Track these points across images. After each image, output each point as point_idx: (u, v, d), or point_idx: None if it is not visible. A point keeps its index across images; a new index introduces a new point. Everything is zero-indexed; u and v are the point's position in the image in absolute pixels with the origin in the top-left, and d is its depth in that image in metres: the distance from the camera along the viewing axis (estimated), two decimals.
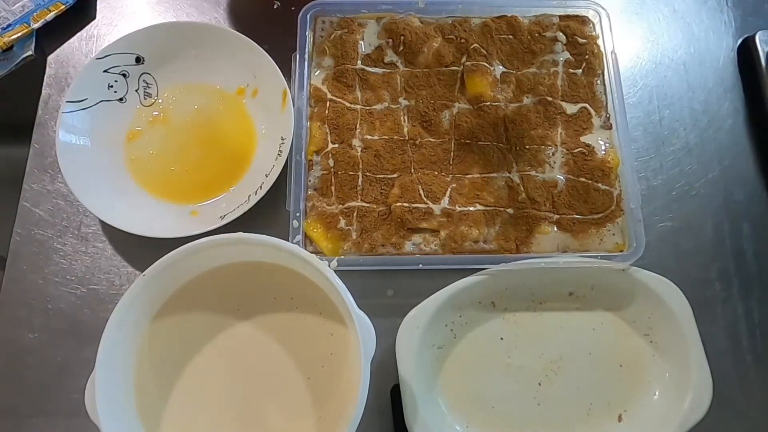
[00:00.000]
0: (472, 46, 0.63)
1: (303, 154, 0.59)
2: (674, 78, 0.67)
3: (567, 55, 0.64)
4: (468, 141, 0.61)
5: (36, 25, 0.65)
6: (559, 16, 0.65)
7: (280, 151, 0.58)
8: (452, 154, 0.61)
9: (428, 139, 0.61)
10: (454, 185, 0.59)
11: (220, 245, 0.48)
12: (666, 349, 0.55)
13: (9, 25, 0.64)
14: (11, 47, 0.64)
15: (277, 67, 0.60)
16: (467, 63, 0.63)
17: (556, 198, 0.59)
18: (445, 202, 0.59)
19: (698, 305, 0.54)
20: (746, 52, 0.68)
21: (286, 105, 0.59)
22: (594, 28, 0.65)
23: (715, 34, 0.70)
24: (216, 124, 0.63)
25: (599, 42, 0.64)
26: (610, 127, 0.62)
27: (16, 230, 0.59)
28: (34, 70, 0.65)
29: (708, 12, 0.71)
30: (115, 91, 0.62)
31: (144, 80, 0.63)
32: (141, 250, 0.56)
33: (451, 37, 0.64)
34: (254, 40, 0.62)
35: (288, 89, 0.59)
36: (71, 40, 0.67)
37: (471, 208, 0.58)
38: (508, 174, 0.60)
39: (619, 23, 0.69)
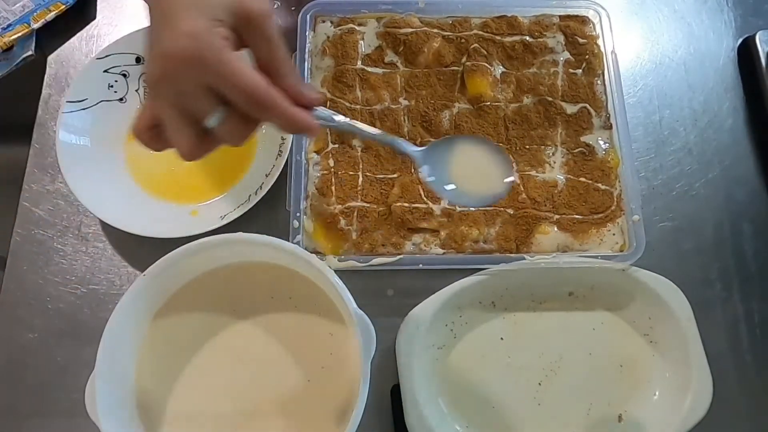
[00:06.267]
0: (472, 46, 0.63)
1: (303, 154, 0.59)
2: (674, 78, 0.67)
3: (567, 55, 0.64)
4: None
5: (36, 25, 0.64)
6: (559, 16, 0.65)
7: (280, 151, 0.58)
8: None
9: (428, 139, 0.61)
10: None
11: (221, 245, 0.48)
12: (666, 349, 0.55)
13: (9, 25, 0.64)
14: (11, 47, 0.64)
15: None
16: (467, 63, 0.63)
17: (556, 198, 0.59)
18: (445, 202, 0.59)
19: (698, 305, 0.54)
20: (746, 52, 0.68)
21: None
22: (594, 28, 0.65)
23: (715, 34, 0.70)
24: None
25: (599, 42, 0.65)
26: (610, 127, 0.62)
27: (16, 230, 0.59)
28: (34, 70, 0.65)
29: (708, 12, 0.71)
30: (116, 91, 0.62)
31: (144, 80, 0.63)
32: (141, 250, 0.56)
33: (451, 37, 0.64)
34: None
35: None
36: (71, 40, 0.67)
37: (471, 208, 0.58)
38: None
39: (619, 23, 0.69)
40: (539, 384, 0.55)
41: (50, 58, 0.66)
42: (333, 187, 0.59)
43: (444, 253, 0.57)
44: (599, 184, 0.60)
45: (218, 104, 0.37)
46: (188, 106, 0.36)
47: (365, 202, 0.59)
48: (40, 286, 0.58)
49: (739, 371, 0.57)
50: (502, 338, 0.56)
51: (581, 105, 0.63)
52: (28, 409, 0.54)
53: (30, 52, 0.64)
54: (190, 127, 0.37)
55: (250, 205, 0.56)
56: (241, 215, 0.55)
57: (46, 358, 0.55)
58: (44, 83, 0.65)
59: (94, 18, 0.68)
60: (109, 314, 0.45)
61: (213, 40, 0.35)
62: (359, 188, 0.59)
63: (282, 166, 0.57)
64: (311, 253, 0.49)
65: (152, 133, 0.39)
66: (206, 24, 0.35)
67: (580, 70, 0.64)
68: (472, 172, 0.42)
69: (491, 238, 0.58)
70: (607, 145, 0.61)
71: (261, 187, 0.57)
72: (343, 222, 0.58)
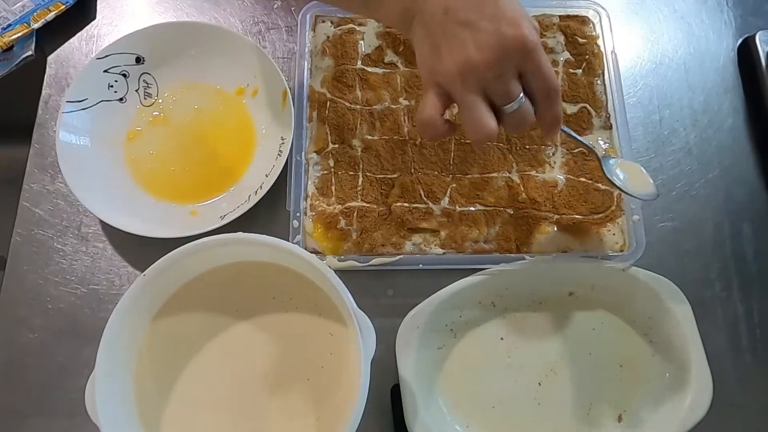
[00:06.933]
0: None
1: (303, 154, 0.59)
2: (674, 78, 0.67)
3: (567, 55, 0.64)
4: (468, 141, 0.61)
5: (36, 25, 0.64)
6: (559, 16, 0.65)
7: (280, 151, 0.58)
8: (452, 154, 0.60)
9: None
10: (454, 185, 0.59)
11: (220, 245, 0.48)
12: (666, 349, 0.55)
13: (9, 25, 0.64)
14: (11, 47, 0.64)
15: (277, 67, 0.60)
16: None
17: (556, 198, 0.59)
18: (445, 202, 0.59)
19: (698, 305, 0.54)
20: (746, 52, 0.68)
21: (286, 105, 0.59)
22: (594, 28, 0.65)
23: (715, 34, 0.70)
24: (216, 124, 0.63)
25: (599, 42, 0.65)
26: (610, 127, 0.62)
27: (16, 230, 0.59)
28: (34, 70, 0.65)
29: (708, 12, 0.71)
30: (116, 91, 0.62)
31: (144, 80, 0.63)
32: (141, 250, 0.56)
33: None
34: (254, 40, 0.62)
35: (288, 89, 0.59)
36: (71, 40, 0.67)
37: (471, 208, 0.58)
38: (508, 174, 0.60)
39: (619, 23, 0.69)
40: (539, 384, 0.55)
41: (50, 58, 0.66)
42: (333, 187, 0.59)
43: (444, 253, 0.57)
44: (599, 184, 0.59)
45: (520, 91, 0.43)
46: (500, 90, 0.42)
47: (365, 202, 0.59)
48: (40, 286, 0.57)
49: (739, 371, 0.57)
50: (502, 338, 0.56)
51: (581, 105, 0.63)
52: (28, 409, 0.54)
53: (30, 52, 0.64)
54: (490, 111, 0.43)
55: (250, 205, 0.56)
56: (241, 215, 0.55)
57: (46, 358, 0.55)
58: (44, 83, 0.65)
59: (94, 18, 0.68)
60: (109, 314, 0.45)
61: (537, 36, 0.42)
62: (359, 188, 0.59)
63: (282, 166, 0.57)
64: (311, 253, 0.50)
65: (443, 120, 0.44)
66: (531, 24, 0.42)
67: (580, 70, 0.64)
68: (632, 178, 0.55)
69: (491, 238, 0.58)
70: (607, 145, 0.61)
71: (261, 187, 0.57)
72: (343, 222, 0.58)
